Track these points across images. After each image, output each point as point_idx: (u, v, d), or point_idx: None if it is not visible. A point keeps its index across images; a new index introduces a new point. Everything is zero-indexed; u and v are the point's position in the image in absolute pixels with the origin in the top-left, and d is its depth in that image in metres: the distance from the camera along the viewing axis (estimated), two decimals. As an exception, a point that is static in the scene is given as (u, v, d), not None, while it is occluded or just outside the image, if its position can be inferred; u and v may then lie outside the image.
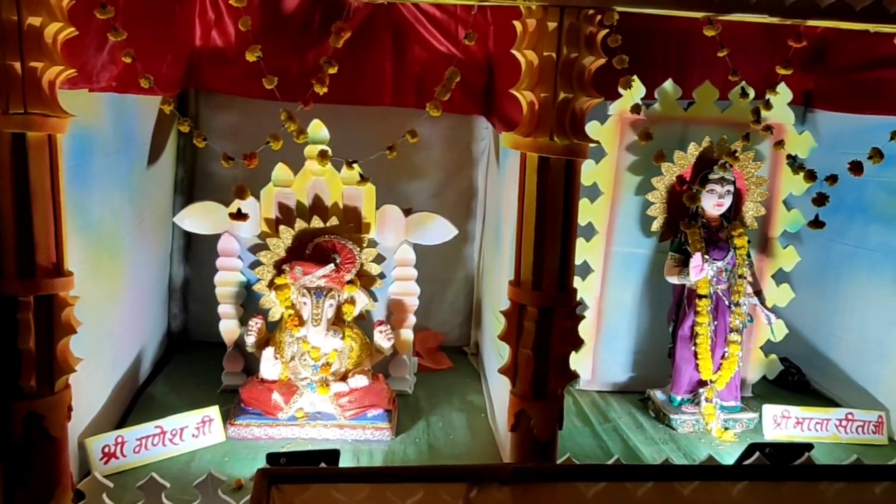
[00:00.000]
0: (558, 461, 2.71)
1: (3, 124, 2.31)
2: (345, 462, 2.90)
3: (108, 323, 3.20)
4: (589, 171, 3.57)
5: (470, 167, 4.22)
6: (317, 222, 3.44)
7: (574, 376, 2.69)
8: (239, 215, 2.54)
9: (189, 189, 4.13)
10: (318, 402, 3.32)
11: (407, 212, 3.56)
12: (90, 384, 2.95)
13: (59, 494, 2.50)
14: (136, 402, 3.57)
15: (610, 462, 2.81)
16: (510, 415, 2.61)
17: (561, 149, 2.41)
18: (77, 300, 2.51)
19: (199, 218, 3.54)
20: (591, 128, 3.46)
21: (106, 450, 2.97)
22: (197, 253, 4.15)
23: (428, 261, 3.72)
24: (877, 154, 2.56)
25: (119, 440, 3.01)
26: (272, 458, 2.59)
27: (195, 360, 4.02)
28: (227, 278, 3.57)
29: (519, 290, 2.54)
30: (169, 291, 4.22)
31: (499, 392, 3.25)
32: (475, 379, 4.01)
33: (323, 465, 2.54)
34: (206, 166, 4.06)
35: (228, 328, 3.62)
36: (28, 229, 2.36)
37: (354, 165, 2.66)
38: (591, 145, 2.52)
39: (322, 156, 2.72)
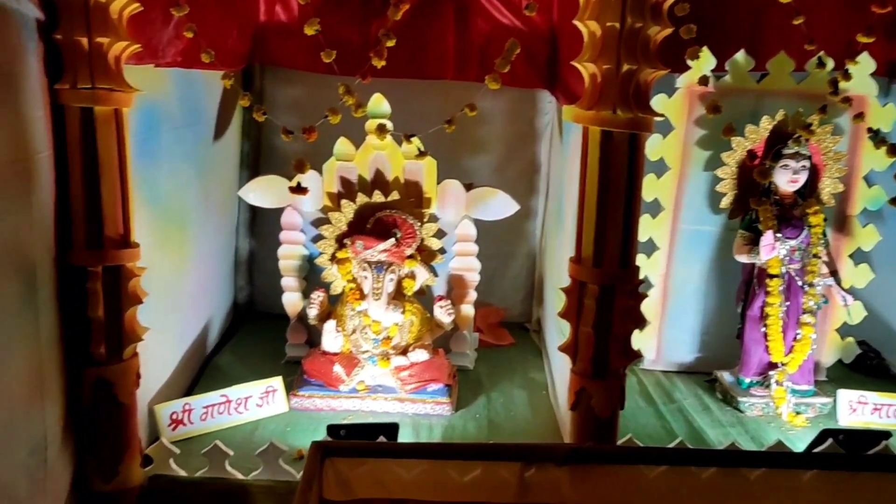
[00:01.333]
0: (619, 441, 2.67)
1: (71, 99, 2.35)
2: (404, 436, 2.90)
3: (175, 294, 3.23)
4: (655, 146, 3.47)
5: (533, 142, 4.12)
6: (378, 197, 3.42)
7: (637, 356, 2.62)
8: (298, 189, 2.53)
9: (254, 163, 4.13)
10: (379, 375, 3.29)
11: (468, 187, 3.49)
12: (159, 353, 2.99)
13: (127, 459, 2.58)
14: (203, 371, 3.60)
15: (673, 444, 2.73)
16: (570, 393, 2.58)
17: (624, 122, 2.33)
18: (144, 271, 2.56)
19: (263, 192, 3.55)
20: (658, 101, 3.35)
21: (174, 416, 3.01)
22: (262, 226, 4.13)
23: (489, 236, 3.65)
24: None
25: (186, 407, 3.05)
26: (332, 429, 2.63)
27: (260, 330, 4.02)
28: (289, 252, 3.56)
29: (580, 268, 2.49)
30: (235, 264, 4.22)
31: (560, 369, 3.13)
32: (537, 356, 3.93)
33: (382, 438, 2.56)
34: (271, 140, 4.06)
35: (291, 301, 3.61)
36: (96, 202, 2.41)
37: (413, 139, 2.60)
38: (657, 119, 2.43)
39: (380, 130, 2.70)
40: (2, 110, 2.01)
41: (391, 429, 2.70)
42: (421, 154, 2.75)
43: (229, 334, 4.05)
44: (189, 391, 3.36)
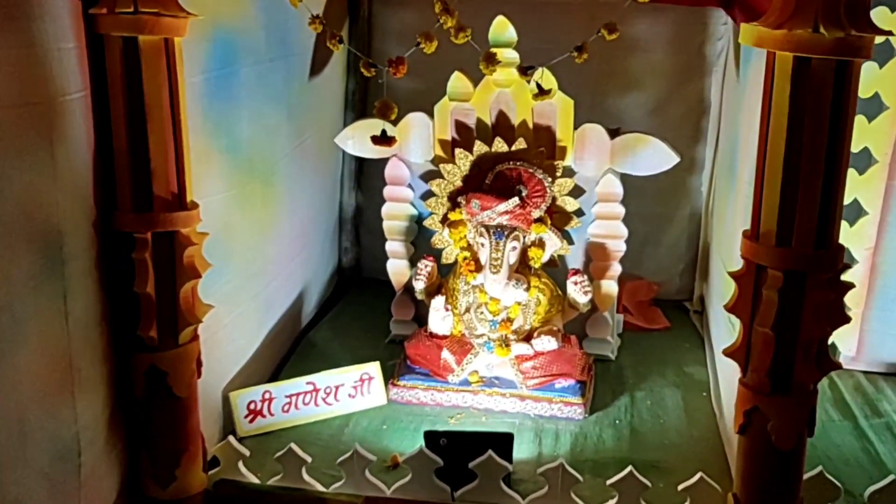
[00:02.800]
0: (807, 475, 2.28)
1: (111, 26, 2.12)
2: (524, 444, 2.81)
3: (260, 260, 3.13)
4: (869, 78, 2.97)
5: (700, 75, 3.85)
6: (500, 145, 3.21)
7: (834, 366, 2.19)
8: (383, 139, 2.27)
9: (362, 104, 4.00)
10: (496, 365, 3.14)
11: (614, 132, 3.24)
12: (239, 329, 2.93)
13: (186, 461, 2.42)
14: (294, 348, 3.54)
15: (887, 482, 2.28)
16: (739, 411, 2.20)
17: (829, 45, 1.88)
18: (204, 238, 2.36)
19: (365, 138, 3.29)
20: (878, 14, 2.82)
21: (252, 406, 2.90)
22: (371, 179, 4.03)
23: (640, 194, 3.44)
24: None
25: (266, 396, 2.92)
26: (430, 437, 2.55)
27: (365, 301, 3.98)
28: (395, 210, 3.46)
29: (757, 246, 2.08)
30: (339, 222, 4.17)
31: (729, 367, 2.82)
32: (697, 344, 3.67)
33: (491, 453, 2.38)
34: (381, 75, 3.79)
35: (397, 269, 3.52)
36: (143, 153, 2.20)
37: (538, 73, 2.22)
38: (877, 40, 1.97)
39: (488, 60, 2.35)
40: (3, 41, 1.76)
41: (504, 440, 2.55)
42: (541, 93, 2.39)
43: (330, 303, 4.02)
44: (276, 373, 3.30)
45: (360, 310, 3.93)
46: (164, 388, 2.33)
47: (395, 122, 3.20)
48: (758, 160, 2.09)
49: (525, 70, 2.39)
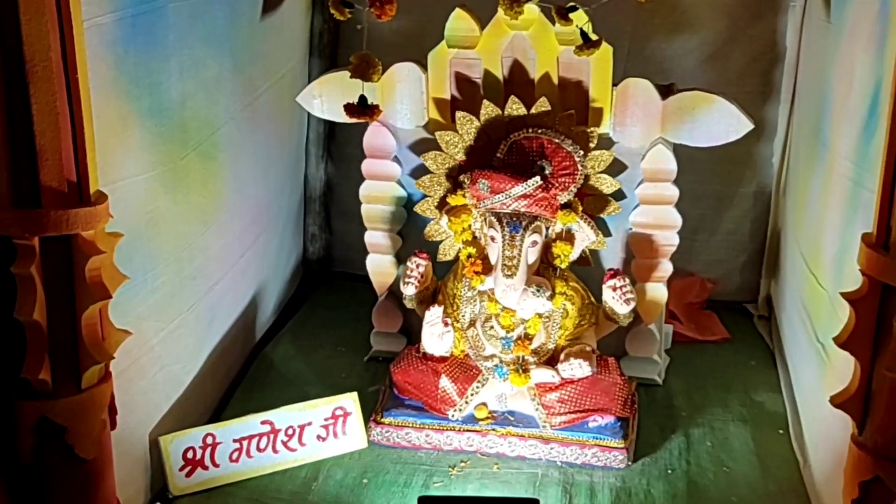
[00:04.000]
0: None
1: None
2: (549, 502, 2.77)
3: (199, 258, 3.04)
4: None
5: (772, 13, 3.76)
6: (515, 107, 3.12)
7: None
8: (361, 108, 2.30)
9: (331, 49, 3.92)
10: (511, 396, 3.09)
11: (666, 90, 3.14)
12: (171, 352, 2.87)
13: None
14: (246, 371, 3.49)
15: None
16: (851, 480, 2.11)
17: None
18: (116, 241, 2.24)
19: (336, 96, 3.22)
20: None
21: (189, 455, 2.82)
22: (344, 144, 3.97)
23: (692, 167, 3.37)
24: None
25: (209, 441, 2.85)
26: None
27: (339, 303, 3.94)
28: (376, 191, 3.38)
29: (886, 260, 1.97)
30: (305, 202, 4.13)
31: (813, 392, 2.89)
32: (766, 361, 3.58)
33: None
34: (359, 16, 3.73)
35: (380, 267, 3.46)
36: (24, 127, 2.01)
37: (577, 15, 2.03)
38: None
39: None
40: None
41: (526, 509, 2.41)
42: (588, 44, 2.31)
43: (293, 308, 3.98)
44: (222, 408, 3.25)
45: (331, 316, 3.86)
46: (63, 448, 2.18)
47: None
48: (891, 137, 1.92)
49: (566, 13, 2.14)
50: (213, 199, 3.13)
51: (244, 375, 3.43)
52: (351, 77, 2.32)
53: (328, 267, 4.21)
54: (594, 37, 2.67)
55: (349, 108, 2.28)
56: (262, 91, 3.44)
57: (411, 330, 3.41)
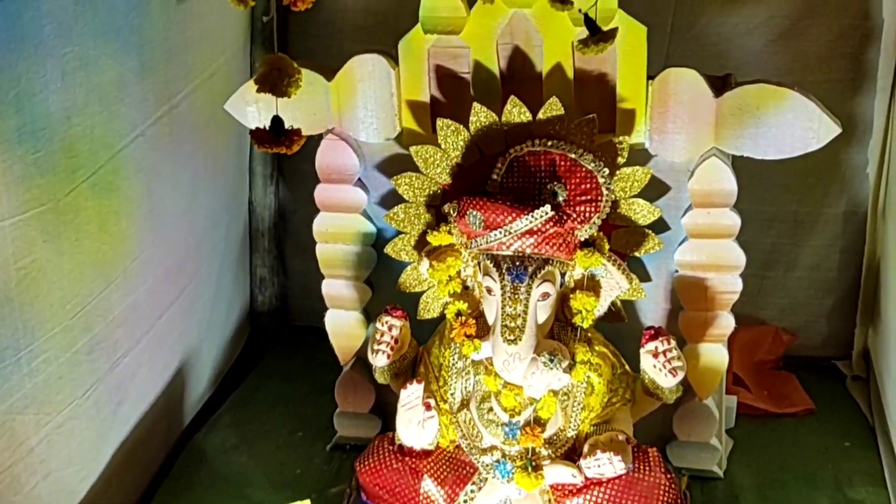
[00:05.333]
0: None
1: None
2: None
3: (98, 325, 2.99)
4: None
5: None
6: (516, 112, 3.04)
7: None
8: (273, 135, 2.22)
9: (280, 36, 3.92)
10: (519, 503, 3.01)
11: (721, 83, 3.05)
12: (59, 453, 2.83)
13: None
14: (169, 469, 3.46)
15: None
16: None
17: None
18: None
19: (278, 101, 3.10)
20: None
21: None
22: (300, 161, 3.73)
23: (757, 182, 3.43)
24: None
25: None
26: None
27: (296, 370, 3.95)
28: (335, 226, 3.34)
29: None
30: (250, 237, 4.16)
31: None
32: (865, 444, 3.49)
33: None
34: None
35: (342, 327, 3.43)
36: None
37: None
38: None
39: None
40: None
41: None
42: (594, 36, 2.26)
43: (235, 379, 3.99)
44: None
45: (285, 389, 3.86)
46: None
47: (329, 74, 3.17)
48: None
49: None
50: (115, 245, 3.07)
51: (166, 475, 3.40)
52: (257, 91, 2.26)
53: (283, 321, 4.25)
54: (605, 23, 2.54)
55: (257, 135, 2.18)
56: (183, 96, 3.40)
57: (388, 409, 3.36)
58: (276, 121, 2.34)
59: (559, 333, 2.97)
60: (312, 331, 3.74)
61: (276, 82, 2.24)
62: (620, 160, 3.01)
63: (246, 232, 4.11)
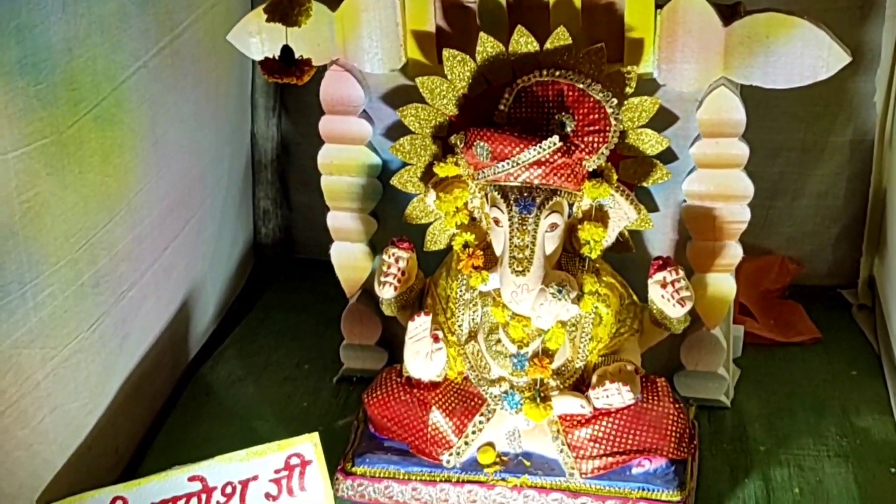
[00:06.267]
0: None
1: None
2: None
3: (103, 256, 2.98)
4: None
5: None
6: (523, 41, 3.00)
7: None
8: (283, 65, 2.22)
9: None
10: (527, 434, 3.03)
11: (731, 11, 3.01)
12: (65, 387, 2.84)
13: None
14: (175, 403, 3.49)
15: None
16: None
17: None
18: None
19: (281, 31, 2.98)
20: None
21: None
22: (304, 93, 3.70)
23: (764, 111, 3.45)
24: None
25: None
26: None
27: (301, 303, 3.96)
28: (340, 158, 3.32)
29: None
30: (253, 170, 4.16)
31: None
32: (872, 372, 3.51)
33: None
34: None
35: (348, 259, 3.43)
36: None
37: None
38: None
39: None
40: None
41: None
42: None
43: (240, 312, 3.99)
44: (140, 458, 3.24)
45: (291, 322, 3.88)
46: None
47: (334, 4, 3.11)
48: None
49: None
50: (119, 178, 3.05)
51: (172, 408, 3.42)
52: (267, 21, 2.26)
53: (287, 253, 4.25)
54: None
55: (267, 65, 2.20)
56: (185, 26, 3.36)
57: (394, 341, 3.40)
58: (287, 50, 2.30)
59: (567, 264, 2.98)
60: (317, 263, 3.77)
61: (286, 11, 2.22)
62: (628, 90, 3.00)
63: (249, 164, 4.13)
